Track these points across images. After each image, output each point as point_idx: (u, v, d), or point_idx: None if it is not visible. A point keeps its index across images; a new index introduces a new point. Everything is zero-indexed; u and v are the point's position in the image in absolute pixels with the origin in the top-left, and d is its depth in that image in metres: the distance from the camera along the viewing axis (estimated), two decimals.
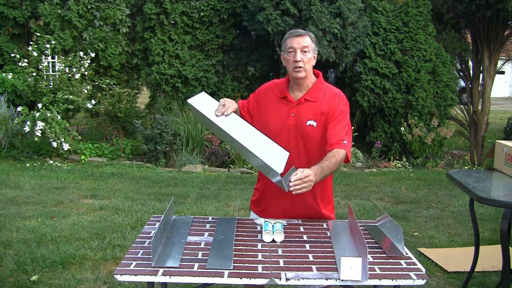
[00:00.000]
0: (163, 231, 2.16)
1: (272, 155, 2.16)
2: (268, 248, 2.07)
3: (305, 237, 2.21)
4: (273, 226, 2.21)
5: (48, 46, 8.44)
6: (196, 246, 2.08)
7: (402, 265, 1.93)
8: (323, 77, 2.49)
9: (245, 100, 2.58)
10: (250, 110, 2.53)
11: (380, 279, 1.80)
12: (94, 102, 8.26)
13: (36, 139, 7.51)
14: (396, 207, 5.81)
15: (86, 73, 8.45)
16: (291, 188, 2.04)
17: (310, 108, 2.38)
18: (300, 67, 2.33)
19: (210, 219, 2.47)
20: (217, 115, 2.29)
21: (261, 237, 2.17)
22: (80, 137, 8.02)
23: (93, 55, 8.59)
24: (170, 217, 2.41)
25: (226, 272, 1.80)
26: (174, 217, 2.49)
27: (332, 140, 2.31)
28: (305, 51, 2.33)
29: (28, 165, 7.25)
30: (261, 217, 2.52)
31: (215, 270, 1.82)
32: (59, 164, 7.42)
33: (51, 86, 8.08)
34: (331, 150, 2.29)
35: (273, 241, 2.14)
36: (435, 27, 9.07)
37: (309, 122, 2.37)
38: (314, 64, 2.41)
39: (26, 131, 7.51)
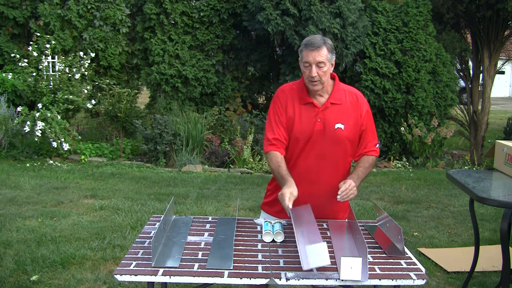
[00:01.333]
0: (163, 231, 2.16)
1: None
2: (268, 248, 2.07)
3: None
4: (273, 226, 2.21)
5: (48, 46, 8.43)
6: (196, 246, 2.08)
7: (402, 265, 1.93)
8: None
9: (276, 130, 2.40)
10: (286, 130, 2.42)
11: (380, 279, 1.80)
12: (94, 102, 8.25)
13: (36, 139, 7.51)
14: (396, 207, 5.81)
15: (86, 73, 8.44)
16: (339, 198, 2.22)
17: (336, 111, 2.38)
18: (316, 81, 2.31)
19: (210, 219, 2.47)
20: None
21: (261, 237, 2.17)
22: (80, 137, 8.02)
23: (93, 55, 8.59)
24: (170, 217, 2.42)
25: (226, 272, 1.80)
26: (174, 217, 2.49)
27: (368, 147, 2.46)
28: (321, 66, 2.29)
29: (28, 165, 7.25)
30: (278, 218, 2.46)
31: (215, 270, 1.82)
32: (59, 164, 7.42)
33: (51, 86, 8.08)
34: (364, 155, 2.46)
35: (273, 241, 2.14)
36: (435, 27, 9.07)
37: (337, 125, 2.36)
38: (332, 70, 2.38)
39: (26, 131, 7.51)
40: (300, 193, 2.23)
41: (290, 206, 2.12)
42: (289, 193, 2.16)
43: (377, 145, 2.49)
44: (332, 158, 2.39)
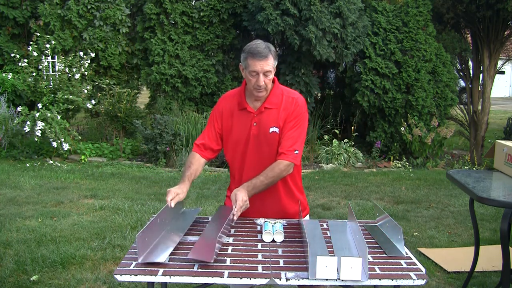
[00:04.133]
0: (162, 225, 2.16)
1: None
2: (268, 248, 2.07)
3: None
4: (273, 226, 2.21)
5: (48, 46, 8.43)
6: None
7: (402, 265, 1.93)
8: (278, 82, 2.49)
9: (207, 136, 2.50)
10: (218, 136, 2.49)
11: (380, 279, 1.80)
12: (94, 102, 8.26)
13: (36, 139, 7.51)
14: (396, 207, 5.81)
15: (86, 73, 8.45)
16: (235, 218, 2.21)
17: (271, 115, 2.40)
18: (262, 89, 2.35)
19: (210, 219, 2.47)
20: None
21: (261, 237, 2.17)
22: (80, 137, 8.02)
23: (93, 55, 8.59)
24: (177, 209, 2.40)
25: (226, 272, 1.80)
26: (184, 209, 2.49)
27: (282, 148, 2.37)
28: (267, 75, 2.33)
29: (28, 165, 7.25)
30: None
31: (215, 270, 1.82)
32: (59, 164, 7.42)
33: (51, 86, 8.08)
34: (276, 161, 2.36)
35: (273, 241, 2.15)
36: (435, 27, 9.07)
37: (272, 129, 2.39)
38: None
39: (26, 131, 7.51)
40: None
41: (172, 205, 2.27)
42: (175, 193, 2.30)
43: (296, 151, 2.36)
44: (272, 160, 2.40)
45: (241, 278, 1.78)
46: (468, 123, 9.79)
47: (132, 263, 1.88)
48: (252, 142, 2.42)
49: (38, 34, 8.62)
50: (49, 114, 7.47)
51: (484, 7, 8.60)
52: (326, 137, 8.75)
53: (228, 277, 1.78)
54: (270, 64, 2.33)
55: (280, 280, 1.77)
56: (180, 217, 2.38)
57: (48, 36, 8.60)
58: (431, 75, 8.90)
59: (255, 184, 2.31)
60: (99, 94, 8.65)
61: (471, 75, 9.86)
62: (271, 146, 2.40)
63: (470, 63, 10.06)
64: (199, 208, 2.51)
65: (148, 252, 1.92)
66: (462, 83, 10.43)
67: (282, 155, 2.36)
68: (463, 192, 3.04)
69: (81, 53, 8.43)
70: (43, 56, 8.38)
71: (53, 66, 8.80)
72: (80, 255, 3.89)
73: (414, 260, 1.97)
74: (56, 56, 8.70)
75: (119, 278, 1.78)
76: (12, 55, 8.78)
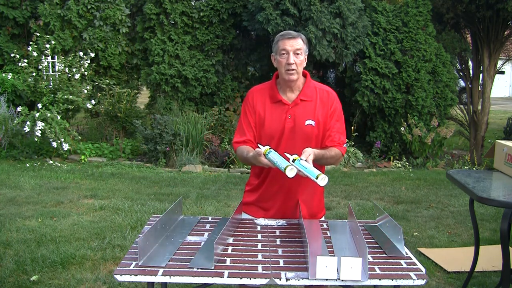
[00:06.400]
0: (162, 230, 2.16)
1: None
2: (268, 248, 2.07)
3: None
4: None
5: (48, 46, 8.43)
6: (196, 246, 2.07)
7: (402, 265, 1.93)
8: (310, 77, 2.50)
9: (247, 133, 2.44)
10: (255, 130, 2.46)
11: (380, 279, 1.79)
12: (94, 102, 8.25)
13: (36, 139, 7.51)
14: (396, 207, 5.81)
15: (86, 73, 8.44)
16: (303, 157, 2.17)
17: (306, 108, 2.39)
18: (293, 69, 2.33)
19: (210, 219, 2.47)
20: None
21: (261, 237, 2.17)
22: (80, 137, 8.02)
23: (93, 55, 8.59)
24: (177, 216, 2.41)
25: (226, 272, 1.80)
26: (182, 216, 2.48)
27: (334, 141, 2.39)
28: (297, 54, 2.33)
29: (28, 165, 7.25)
30: (256, 217, 2.50)
31: (215, 270, 1.82)
32: (59, 164, 7.42)
33: (51, 86, 8.08)
34: (333, 147, 2.38)
35: (274, 241, 2.15)
36: (435, 27, 9.08)
37: (307, 122, 2.37)
38: (304, 65, 2.41)
39: (26, 131, 7.51)
40: (278, 188, 2.37)
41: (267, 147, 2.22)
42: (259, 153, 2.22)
43: (345, 145, 2.43)
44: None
45: (241, 278, 1.78)
46: (468, 123, 9.79)
47: (132, 263, 1.88)
48: (286, 135, 2.39)
49: (38, 34, 8.62)
50: (49, 114, 7.47)
51: (484, 7, 8.61)
52: None
53: (228, 277, 1.78)
54: (299, 43, 2.34)
55: (280, 280, 1.77)
56: (180, 224, 2.37)
57: (48, 36, 8.60)
58: (431, 75, 8.90)
59: (323, 154, 2.30)
60: (99, 94, 8.64)
61: (471, 75, 9.87)
62: (306, 139, 2.38)
63: (470, 63, 10.07)
64: (198, 217, 2.49)
65: (148, 257, 1.92)
66: (462, 83, 10.43)
67: (337, 146, 2.39)
68: (463, 192, 3.04)
69: (81, 53, 8.43)
70: (43, 56, 8.38)
71: (53, 66, 8.80)
72: (80, 255, 3.89)
73: (414, 260, 1.97)
74: (56, 56, 8.70)
75: (119, 278, 1.78)
76: (12, 55, 8.77)
